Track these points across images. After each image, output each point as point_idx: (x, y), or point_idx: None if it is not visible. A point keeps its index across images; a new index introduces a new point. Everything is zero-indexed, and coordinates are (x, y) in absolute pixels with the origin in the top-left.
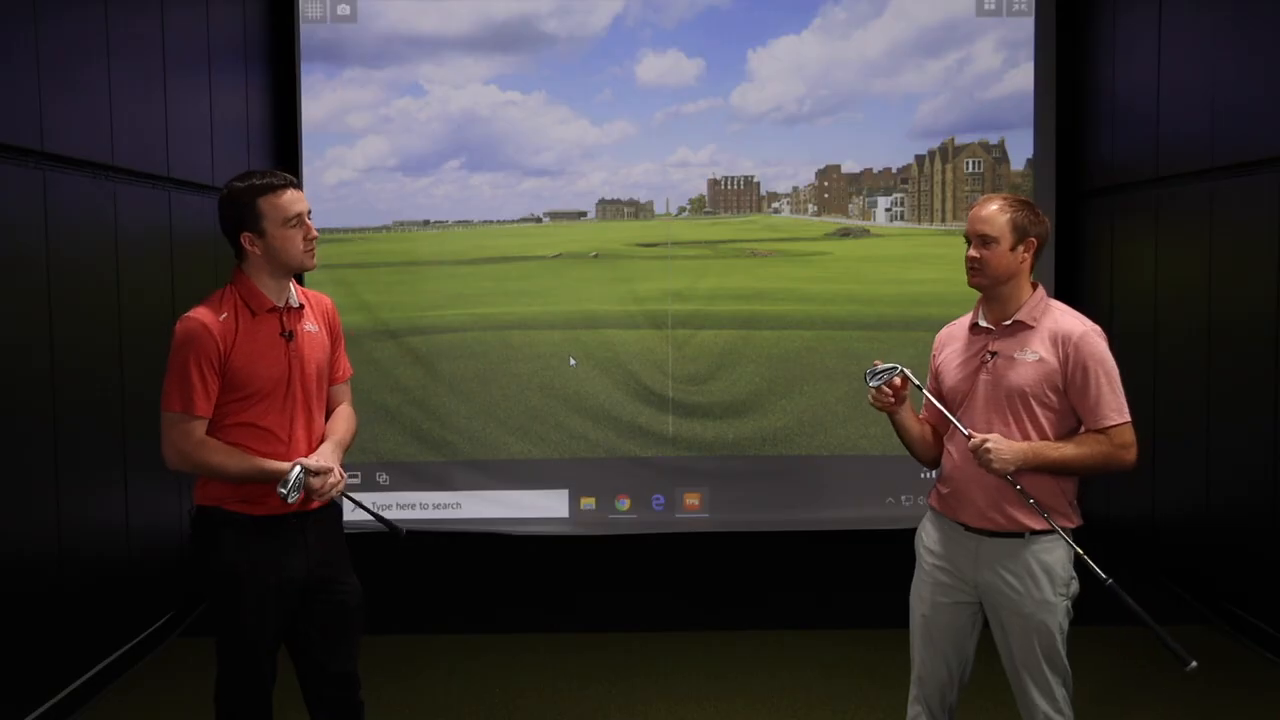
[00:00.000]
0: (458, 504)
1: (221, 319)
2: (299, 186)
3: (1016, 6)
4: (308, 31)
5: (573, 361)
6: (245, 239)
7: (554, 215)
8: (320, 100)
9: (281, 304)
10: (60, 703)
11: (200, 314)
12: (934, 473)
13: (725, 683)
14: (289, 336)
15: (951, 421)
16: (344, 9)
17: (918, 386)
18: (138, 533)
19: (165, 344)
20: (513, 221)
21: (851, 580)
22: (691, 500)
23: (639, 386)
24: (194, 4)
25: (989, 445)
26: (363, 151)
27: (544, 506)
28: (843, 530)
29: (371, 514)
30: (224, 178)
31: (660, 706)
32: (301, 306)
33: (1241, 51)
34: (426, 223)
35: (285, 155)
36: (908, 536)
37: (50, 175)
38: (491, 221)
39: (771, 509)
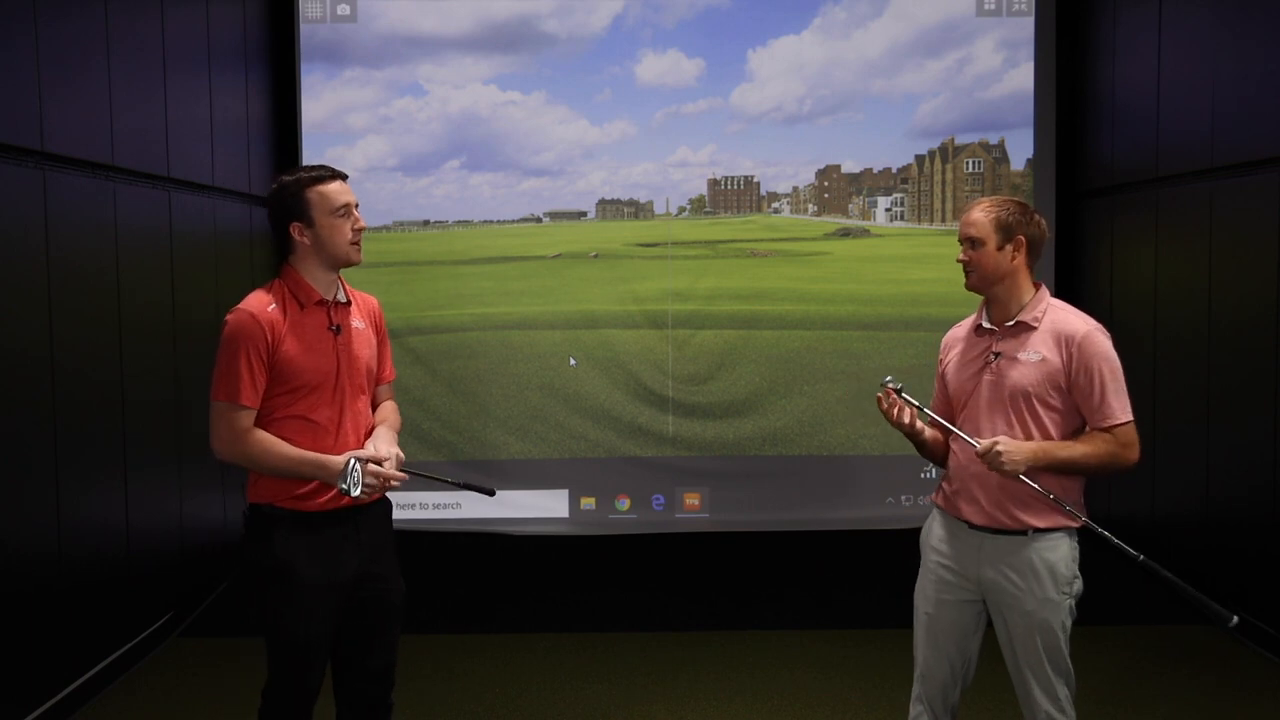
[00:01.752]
0: (457, 504)
1: (270, 310)
2: (346, 179)
3: (1016, 6)
4: (308, 31)
5: (573, 361)
6: (294, 229)
7: (554, 215)
8: (320, 100)
9: (330, 298)
10: (60, 703)
11: (249, 305)
12: (935, 471)
13: (725, 683)
14: (337, 330)
15: (958, 435)
16: (344, 9)
17: (918, 407)
18: (137, 533)
19: (165, 343)
20: (513, 221)
21: (851, 580)
22: (691, 500)
23: (639, 386)
24: (194, 4)
25: (999, 448)
26: (363, 151)
27: (544, 506)
28: (843, 530)
29: (464, 485)
30: (224, 178)
31: (660, 706)
32: (349, 303)
33: (1241, 51)
34: (426, 223)
35: (285, 155)
36: (908, 536)
37: (50, 175)
38: (491, 221)
39: (771, 509)
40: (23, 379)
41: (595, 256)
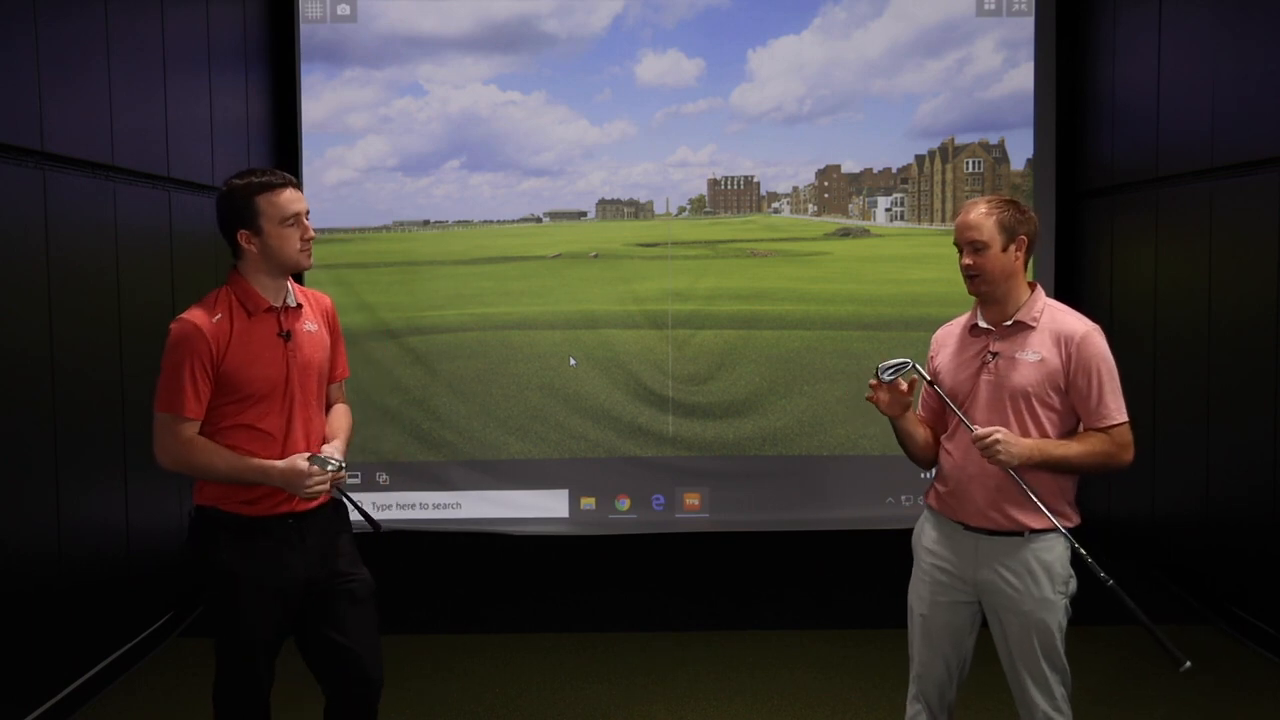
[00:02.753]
0: (458, 504)
1: (215, 320)
2: (298, 186)
3: (1016, 6)
4: (308, 31)
5: (573, 361)
6: (242, 237)
7: (554, 215)
8: (320, 100)
9: (279, 304)
10: (60, 703)
11: (193, 315)
12: (933, 473)
13: (725, 683)
14: (286, 336)
15: (958, 416)
16: (344, 9)
17: (929, 383)
18: (137, 533)
19: (165, 344)
20: (513, 221)
21: (851, 580)
22: (691, 500)
23: (639, 386)
24: (194, 4)
25: (997, 437)
26: (363, 151)
27: (544, 506)
28: (843, 530)
29: (355, 505)
30: (224, 178)
31: (660, 706)
32: (300, 306)
33: (1241, 51)
34: (426, 223)
35: (285, 155)
36: (908, 536)
37: (50, 175)
38: (491, 221)
39: (771, 509)
40: (23, 379)
41: (595, 256)
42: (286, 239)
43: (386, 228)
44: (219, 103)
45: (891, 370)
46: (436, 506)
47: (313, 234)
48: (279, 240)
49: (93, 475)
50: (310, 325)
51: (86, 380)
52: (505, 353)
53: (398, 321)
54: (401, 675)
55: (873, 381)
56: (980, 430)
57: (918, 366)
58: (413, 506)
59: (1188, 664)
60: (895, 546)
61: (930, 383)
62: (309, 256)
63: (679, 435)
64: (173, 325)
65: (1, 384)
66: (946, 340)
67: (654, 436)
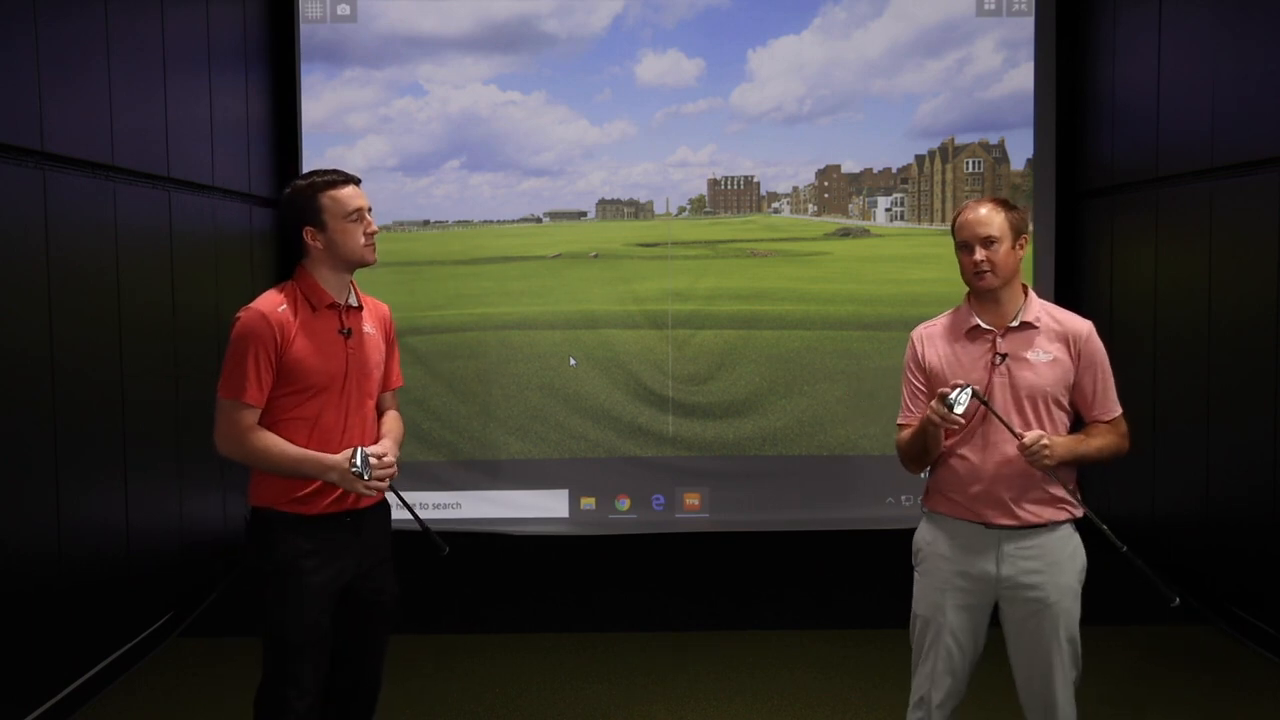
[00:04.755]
0: (458, 504)
1: (280, 310)
2: (359, 183)
3: (1016, 6)
4: (308, 31)
5: (573, 361)
6: (307, 233)
7: (554, 215)
8: (320, 100)
9: (342, 301)
10: (60, 703)
11: (260, 305)
12: (926, 475)
13: (725, 683)
14: (347, 334)
15: (1005, 425)
16: (344, 9)
17: (983, 401)
18: (137, 533)
19: (165, 343)
20: (513, 221)
21: (851, 580)
22: (691, 500)
23: (639, 386)
24: (194, 4)
25: (1045, 442)
26: (363, 151)
27: (544, 506)
28: (843, 530)
29: (420, 522)
30: (224, 178)
31: (660, 706)
32: (360, 307)
33: (1241, 51)
34: (426, 223)
35: (285, 155)
36: (908, 536)
37: (50, 175)
38: (491, 221)
39: (771, 509)
40: (23, 379)
41: (595, 256)
42: (350, 233)
43: (386, 228)
44: (219, 103)
45: (962, 396)
46: (436, 506)
47: (375, 228)
48: (343, 235)
49: (93, 475)
50: (369, 328)
51: (86, 380)
52: (505, 353)
53: (397, 321)
54: (401, 675)
55: (944, 414)
56: (1030, 435)
57: (976, 390)
58: (413, 506)
59: (1177, 600)
60: (895, 546)
61: (984, 401)
62: (373, 251)
63: (679, 435)
64: (240, 314)
65: (1, 384)
66: (930, 342)
67: (654, 436)
